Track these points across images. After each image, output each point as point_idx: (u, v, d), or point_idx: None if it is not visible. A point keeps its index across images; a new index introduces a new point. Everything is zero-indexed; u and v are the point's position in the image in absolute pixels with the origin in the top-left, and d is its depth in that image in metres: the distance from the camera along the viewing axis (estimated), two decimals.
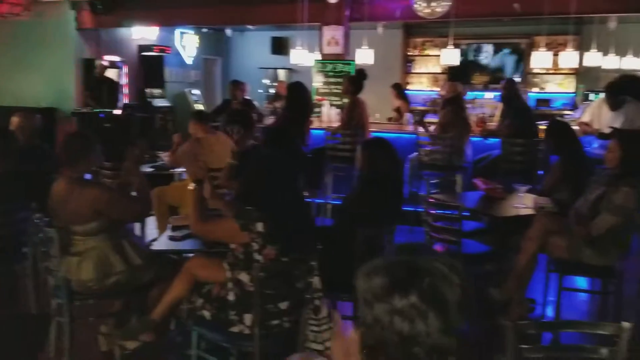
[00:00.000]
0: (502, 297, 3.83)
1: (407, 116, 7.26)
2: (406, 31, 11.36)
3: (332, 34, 7.68)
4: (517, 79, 10.87)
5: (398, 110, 8.08)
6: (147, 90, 10.56)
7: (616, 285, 3.85)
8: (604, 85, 6.32)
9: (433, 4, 6.75)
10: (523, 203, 4.18)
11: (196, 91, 11.70)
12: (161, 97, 10.83)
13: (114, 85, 9.76)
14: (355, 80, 6.27)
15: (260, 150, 4.08)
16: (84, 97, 9.57)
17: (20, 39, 9.60)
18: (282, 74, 12.33)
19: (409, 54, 11.69)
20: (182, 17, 9.43)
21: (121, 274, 3.14)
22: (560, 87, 10.91)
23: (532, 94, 10.59)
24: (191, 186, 2.87)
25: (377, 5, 7.63)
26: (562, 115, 8.97)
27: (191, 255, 3.20)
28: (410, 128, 6.82)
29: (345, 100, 6.70)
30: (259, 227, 2.64)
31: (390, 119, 8.26)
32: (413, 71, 11.75)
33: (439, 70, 11.30)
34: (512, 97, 6.28)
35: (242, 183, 2.89)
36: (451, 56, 6.79)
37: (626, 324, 2.05)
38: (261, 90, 11.88)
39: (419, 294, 1.13)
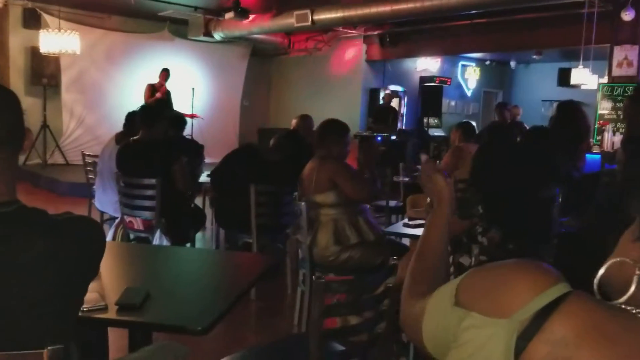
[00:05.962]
0: None
1: None
2: None
3: (624, 54, 6.90)
4: None
5: None
6: (425, 120, 10.95)
7: None
8: None
9: None
10: None
11: (473, 123, 11.66)
12: (437, 126, 11.11)
13: (396, 114, 10.40)
14: (637, 100, 5.45)
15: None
16: (368, 122, 10.41)
17: (320, 71, 10.99)
18: None
19: None
20: (465, 46, 9.61)
21: (355, 248, 3.31)
22: None
23: None
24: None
25: None
26: None
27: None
28: None
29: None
30: (480, 209, 2.53)
31: None
32: None
33: None
34: None
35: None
36: None
37: None
38: (543, 124, 11.25)
39: None
